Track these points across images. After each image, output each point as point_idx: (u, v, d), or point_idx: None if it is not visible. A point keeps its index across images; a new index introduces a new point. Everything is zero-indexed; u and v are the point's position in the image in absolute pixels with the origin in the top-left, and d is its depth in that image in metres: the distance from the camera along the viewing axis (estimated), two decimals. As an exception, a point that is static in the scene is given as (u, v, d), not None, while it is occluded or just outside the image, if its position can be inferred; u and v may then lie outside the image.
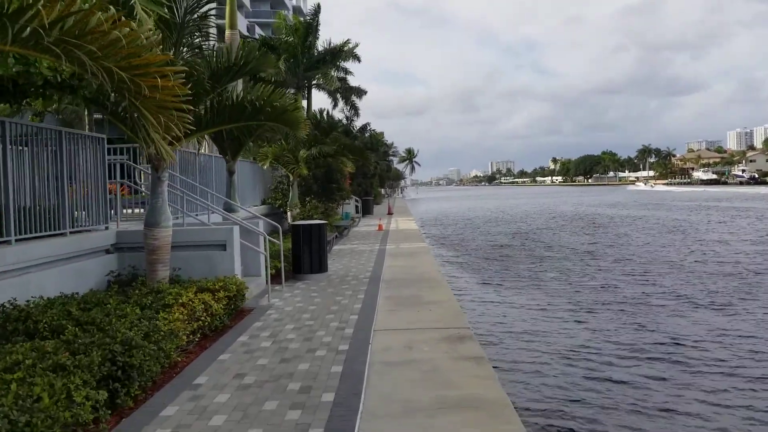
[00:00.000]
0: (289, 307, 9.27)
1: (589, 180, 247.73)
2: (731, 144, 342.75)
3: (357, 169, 30.37)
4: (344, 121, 45.52)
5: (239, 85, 10.78)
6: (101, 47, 4.33)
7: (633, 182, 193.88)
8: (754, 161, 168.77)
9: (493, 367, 6.55)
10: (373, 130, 59.40)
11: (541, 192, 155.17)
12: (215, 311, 7.33)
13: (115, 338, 5.22)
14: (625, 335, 11.90)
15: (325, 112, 28.49)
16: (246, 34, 46.29)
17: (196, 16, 8.11)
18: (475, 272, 20.58)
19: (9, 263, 6.82)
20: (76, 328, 5.64)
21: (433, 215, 58.45)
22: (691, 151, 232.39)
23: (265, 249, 10.18)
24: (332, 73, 36.03)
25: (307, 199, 22.01)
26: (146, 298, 6.99)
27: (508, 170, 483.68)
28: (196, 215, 12.30)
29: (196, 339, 6.94)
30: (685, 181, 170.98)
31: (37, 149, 7.87)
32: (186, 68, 5.59)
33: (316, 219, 18.88)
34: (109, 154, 11.97)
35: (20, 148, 7.63)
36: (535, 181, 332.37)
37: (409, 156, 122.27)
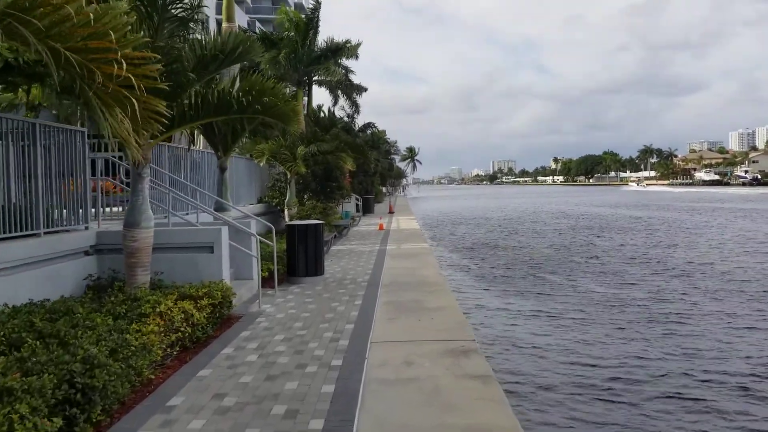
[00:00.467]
0: (281, 314, 8.65)
1: (591, 180, 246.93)
2: (733, 144, 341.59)
3: (358, 167, 29.74)
4: (345, 118, 44.97)
5: (233, 74, 10.18)
6: (51, 25, 3.71)
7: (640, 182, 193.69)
8: (757, 162, 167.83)
9: (504, 389, 5.91)
10: (375, 128, 58.69)
11: (541, 192, 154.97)
12: (197, 321, 6.71)
13: (76, 356, 4.61)
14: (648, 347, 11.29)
15: (325, 108, 27.84)
16: (245, 28, 45.64)
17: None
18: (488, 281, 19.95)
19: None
20: (37, 342, 5.03)
21: (437, 215, 57.71)
22: (692, 151, 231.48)
23: (257, 251, 9.54)
24: (334, 67, 35.44)
25: (306, 197, 21.38)
26: (120, 306, 6.38)
27: (510, 169, 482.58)
28: (186, 214, 11.70)
29: (175, 352, 6.32)
30: (687, 182, 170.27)
31: (4, 142, 7.24)
32: (155, 55, 4.93)
33: (314, 218, 18.31)
34: (100, 150, 11.44)
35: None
36: (537, 181, 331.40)
37: (411, 154, 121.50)
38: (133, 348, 5.25)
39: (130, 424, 4.66)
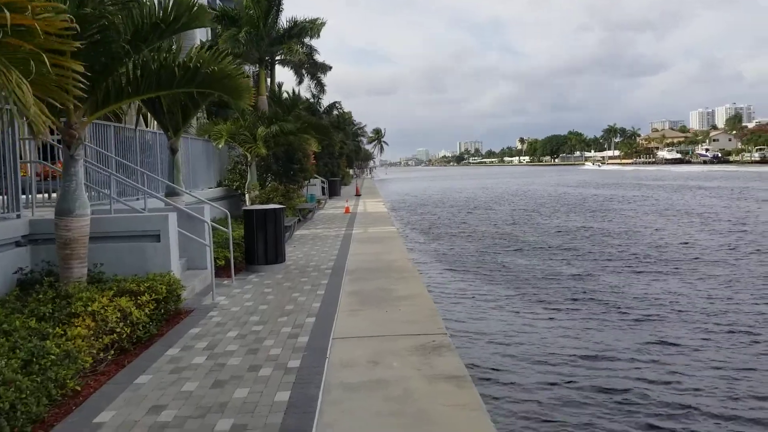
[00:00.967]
0: (236, 306, 7.96)
1: (556, 160, 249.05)
2: (694, 123, 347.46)
3: (323, 148, 28.93)
4: (311, 99, 43.89)
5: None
6: None
7: (594, 162, 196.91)
8: (718, 140, 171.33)
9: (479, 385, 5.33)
10: (341, 108, 57.61)
11: (501, 172, 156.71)
12: (137, 319, 5.98)
13: (-24, 371, 3.88)
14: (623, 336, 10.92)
15: (289, 89, 26.86)
16: (205, 4, 44.03)
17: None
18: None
19: None
20: (-62, 353, 4.28)
21: (405, 197, 57.11)
22: (655, 130, 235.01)
23: (209, 239, 8.80)
24: (297, 47, 34.41)
25: (267, 180, 20.56)
26: (46, 306, 5.61)
27: (477, 150, 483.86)
28: (137, 199, 10.86)
29: (110, 356, 5.58)
30: (650, 160, 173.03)
31: None
32: (61, 5, 4.15)
33: (276, 202, 17.52)
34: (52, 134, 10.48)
35: None
36: (503, 162, 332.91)
37: (377, 136, 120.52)
38: (53, 357, 4.52)
39: (47, 448, 3.96)
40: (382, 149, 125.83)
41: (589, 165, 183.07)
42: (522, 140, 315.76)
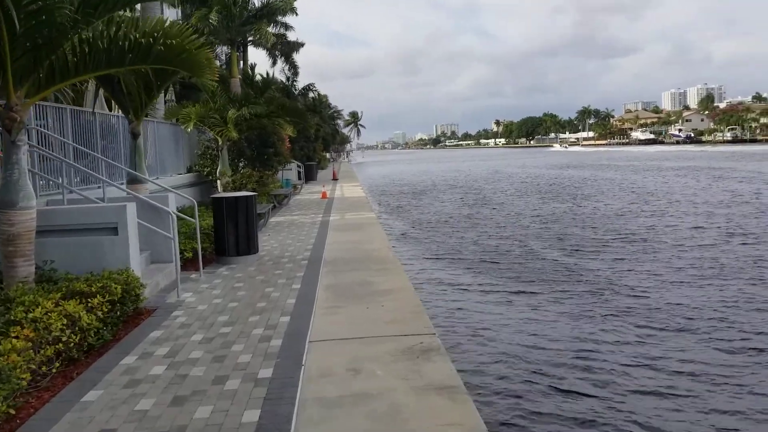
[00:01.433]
0: (204, 304, 7.31)
1: (532, 142, 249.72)
2: (666, 104, 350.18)
3: (298, 132, 28.09)
4: (285, 81, 42.81)
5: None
6: None
7: (562, 143, 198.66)
8: (690, 121, 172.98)
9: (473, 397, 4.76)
10: (316, 90, 56.58)
11: (477, 155, 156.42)
12: (87, 324, 5.31)
13: None
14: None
15: (263, 71, 25.94)
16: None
17: None
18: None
19: None
20: None
21: (383, 181, 56.46)
22: (628, 111, 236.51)
23: (174, 230, 8.10)
24: (269, 29, 33.41)
25: (240, 165, 19.78)
26: (-21, 313, 4.93)
27: (453, 133, 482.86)
28: (98, 187, 10.08)
29: (55, 368, 4.91)
30: (624, 141, 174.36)
31: None
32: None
33: (249, 188, 16.79)
34: None
35: None
36: (479, 144, 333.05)
37: (354, 119, 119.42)
38: (-21, 378, 3.86)
39: (-32, 489, 3.32)
40: (359, 132, 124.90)
41: (556, 146, 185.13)
42: (498, 122, 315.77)
